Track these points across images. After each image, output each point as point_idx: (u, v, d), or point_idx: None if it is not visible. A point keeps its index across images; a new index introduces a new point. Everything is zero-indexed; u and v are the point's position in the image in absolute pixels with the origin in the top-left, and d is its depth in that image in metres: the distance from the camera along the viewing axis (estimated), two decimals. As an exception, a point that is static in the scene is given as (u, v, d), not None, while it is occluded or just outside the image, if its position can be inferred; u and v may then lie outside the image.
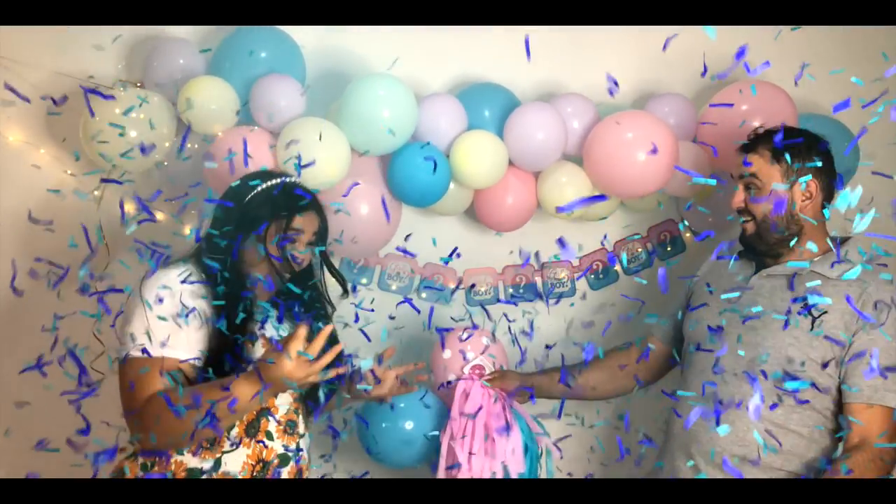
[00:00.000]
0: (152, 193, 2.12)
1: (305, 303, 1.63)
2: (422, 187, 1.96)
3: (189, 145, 1.98)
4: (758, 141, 1.67)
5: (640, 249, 2.30)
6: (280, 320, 1.57)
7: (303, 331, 1.34)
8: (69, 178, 2.10)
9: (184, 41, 2.05)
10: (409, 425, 1.86)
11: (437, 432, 1.85)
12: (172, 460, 1.46)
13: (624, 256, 2.26)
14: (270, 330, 1.55)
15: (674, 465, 1.73)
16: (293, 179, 1.60)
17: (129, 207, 2.11)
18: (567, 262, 2.28)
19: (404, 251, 2.10)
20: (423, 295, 2.24)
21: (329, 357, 1.36)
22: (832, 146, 2.06)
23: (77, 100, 2.05)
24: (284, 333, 1.54)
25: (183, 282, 1.45)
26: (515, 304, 2.21)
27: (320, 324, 1.53)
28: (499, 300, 2.26)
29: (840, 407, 1.60)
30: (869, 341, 1.54)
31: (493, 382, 1.91)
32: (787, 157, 1.61)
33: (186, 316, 1.42)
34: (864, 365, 1.53)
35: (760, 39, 2.30)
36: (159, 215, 2.12)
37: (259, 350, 1.48)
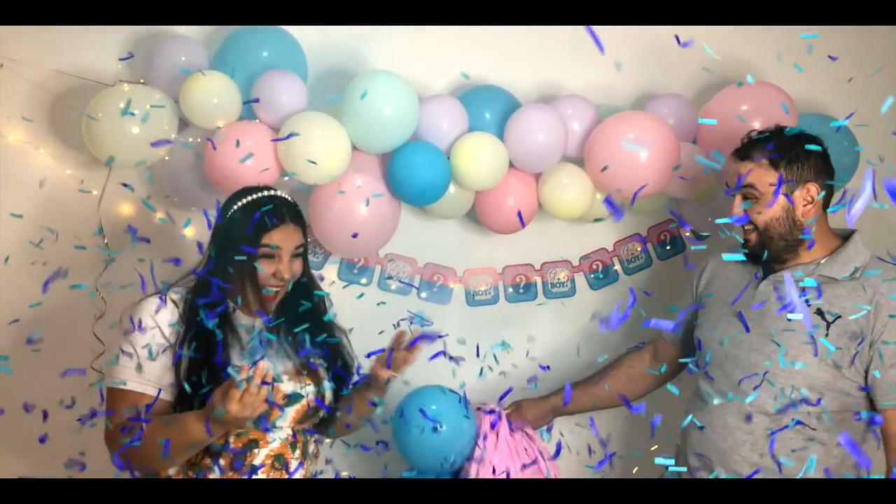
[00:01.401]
0: (152, 190, 2.13)
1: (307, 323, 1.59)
2: (421, 186, 1.96)
3: (191, 140, 1.97)
4: (753, 147, 1.61)
5: (639, 249, 2.30)
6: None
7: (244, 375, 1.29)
8: (69, 177, 2.10)
9: (185, 38, 2.04)
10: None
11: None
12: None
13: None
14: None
15: (690, 470, 1.73)
16: (271, 193, 1.54)
17: (129, 209, 2.11)
18: (567, 262, 2.28)
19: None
20: (423, 295, 2.24)
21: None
22: (832, 147, 2.07)
23: (78, 99, 2.05)
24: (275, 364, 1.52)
25: (162, 311, 1.46)
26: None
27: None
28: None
29: (864, 406, 1.59)
30: (892, 348, 1.52)
31: (511, 416, 1.92)
32: (789, 163, 1.58)
33: (162, 350, 1.44)
34: (892, 370, 1.52)
35: (761, 39, 2.31)
36: (159, 215, 2.12)
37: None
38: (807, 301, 1.55)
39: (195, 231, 2.14)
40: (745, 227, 1.64)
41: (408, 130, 1.96)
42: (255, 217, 1.46)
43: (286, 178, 1.96)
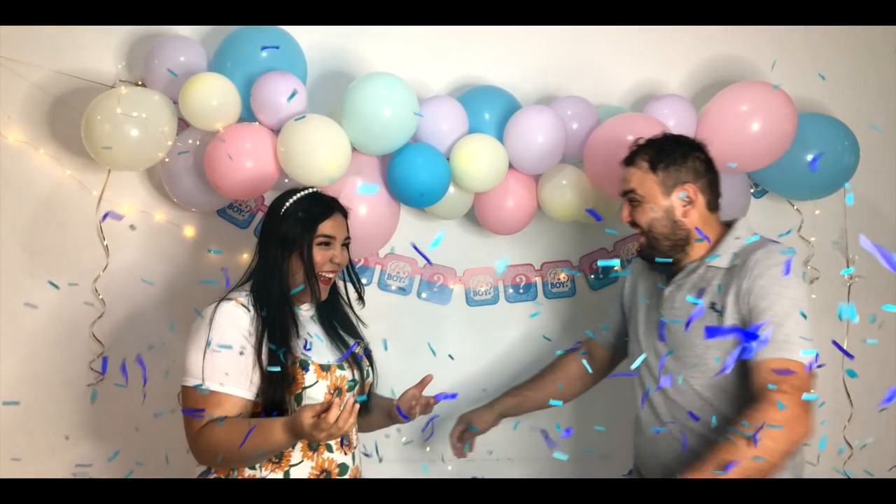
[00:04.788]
0: (153, 190, 2.14)
1: (342, 321, 1.73)
2: (420, 188, 1.96)
3: (190, 141, 1.98)
4: (636, 153, 1.66)
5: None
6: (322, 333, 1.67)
7: (334, 411, 1.37)
8: (69, 178, 2.10)
9: (184, 38, 2.04)
10: None
11: None
12: (248, 475, 1.53)
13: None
14: (317, 355, 1.60)
15: (641, 472, 1.75)
16: (316, 189, 1.69)
17: (129, 209, 2.11)
18: (567, 262, 2.28)
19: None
20: (423, 295, 2.24)
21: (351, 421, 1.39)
22: (829, 144, 2.08)
23: (78, 99, 2.05)
24: (327, 353, 1.63)
25: (237, 316, 1.53)
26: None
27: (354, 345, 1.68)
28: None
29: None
30: (766, 310, 1.51)
31: (467, 435, 1.93)
32: (667, 165, 1.61)
33: (241, 352, 1.52)
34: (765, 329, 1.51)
35: (761, 40, 2.31)
36: (159, 216, 2.12)
37: (312, 376, 1.55)
38: (701, 298, 1.57)
39: (195, 232, 2.14)
40: (637, 231, 1.68)
41: (407, 132, 1.96)
42: (311, 209, 1.62)
43: (287, 181, 1.96)
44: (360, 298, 1.76)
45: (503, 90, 2.13)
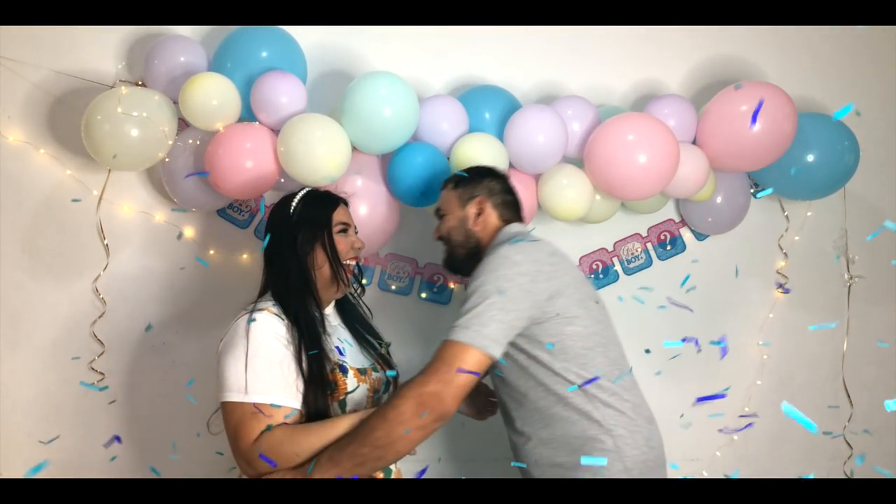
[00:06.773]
0: (153, 190, 2.14)
1: (363, 323, 1.76)
2: (421, 187, 1.96)
3: (190, 141, 1.98)
4: (449, 180, 1.83)
5: (639, 249, 2.30)
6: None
7: None
8: (69, 177, 2.10)
9: (184, 38, 2.04)
10: None
11: None
12: None
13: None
14: (351, 360, 1.60)
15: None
16: (309, 188, 1.69)
17: (129, 209, 2.11)
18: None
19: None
20: (423, 295, 2.24)
21: None
22: (829, 144, 2.09)
23: (78, 99, 2.05)
24: (360, 357, 1.64)
25: (274, 326, 1.50)
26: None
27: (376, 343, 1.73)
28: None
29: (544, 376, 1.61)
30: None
31: None
32: (465, 184, 1.75)
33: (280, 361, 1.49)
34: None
35: (761, 40, 2.31)
36: (158, 217, 2.13)
37: (352, 381, 1.54)
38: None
39: (195, 232, 2.14)
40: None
41: (408, 131, 1.96)
42: (319, 203, 1.64)
43: (282, 181, 1.96)
44: (360, 286, 1.79)
45: (503, 90, 2.14)
